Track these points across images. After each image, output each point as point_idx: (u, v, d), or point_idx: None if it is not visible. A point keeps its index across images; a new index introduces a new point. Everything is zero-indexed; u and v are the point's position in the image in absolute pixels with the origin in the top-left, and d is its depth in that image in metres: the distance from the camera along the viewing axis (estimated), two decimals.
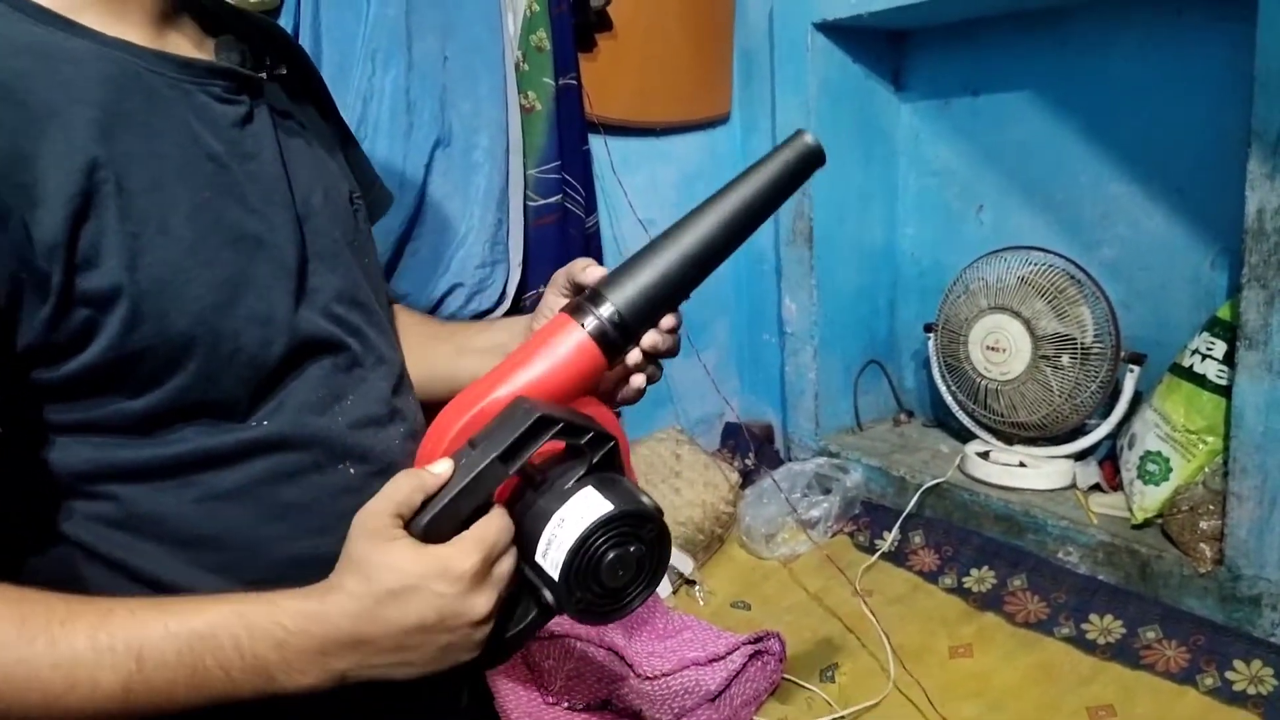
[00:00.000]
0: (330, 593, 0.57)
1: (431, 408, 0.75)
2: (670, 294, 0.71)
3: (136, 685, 0.53)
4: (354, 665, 0.57)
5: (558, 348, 0.68)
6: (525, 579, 0.63)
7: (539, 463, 0.64)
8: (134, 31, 0.65)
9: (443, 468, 0.61)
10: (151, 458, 0.62)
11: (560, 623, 1.55)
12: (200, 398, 0.63)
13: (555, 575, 0.60)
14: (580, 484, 0.62)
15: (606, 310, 0.69)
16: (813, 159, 0.77)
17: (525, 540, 0.62)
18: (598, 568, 0.61)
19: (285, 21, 1.45)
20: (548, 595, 0.61)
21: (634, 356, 0.72)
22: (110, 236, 0.58)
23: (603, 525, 0.60)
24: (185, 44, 0.70)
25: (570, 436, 0.62)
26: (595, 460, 0.63)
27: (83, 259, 0.57)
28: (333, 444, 0.70)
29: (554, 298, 0.80)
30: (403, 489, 0.59)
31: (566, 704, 1.43)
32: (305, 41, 1.46)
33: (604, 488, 0.62)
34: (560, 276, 0.79)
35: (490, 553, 0.59)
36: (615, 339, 0.69)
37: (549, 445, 0.62)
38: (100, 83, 0.60)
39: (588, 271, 0.76)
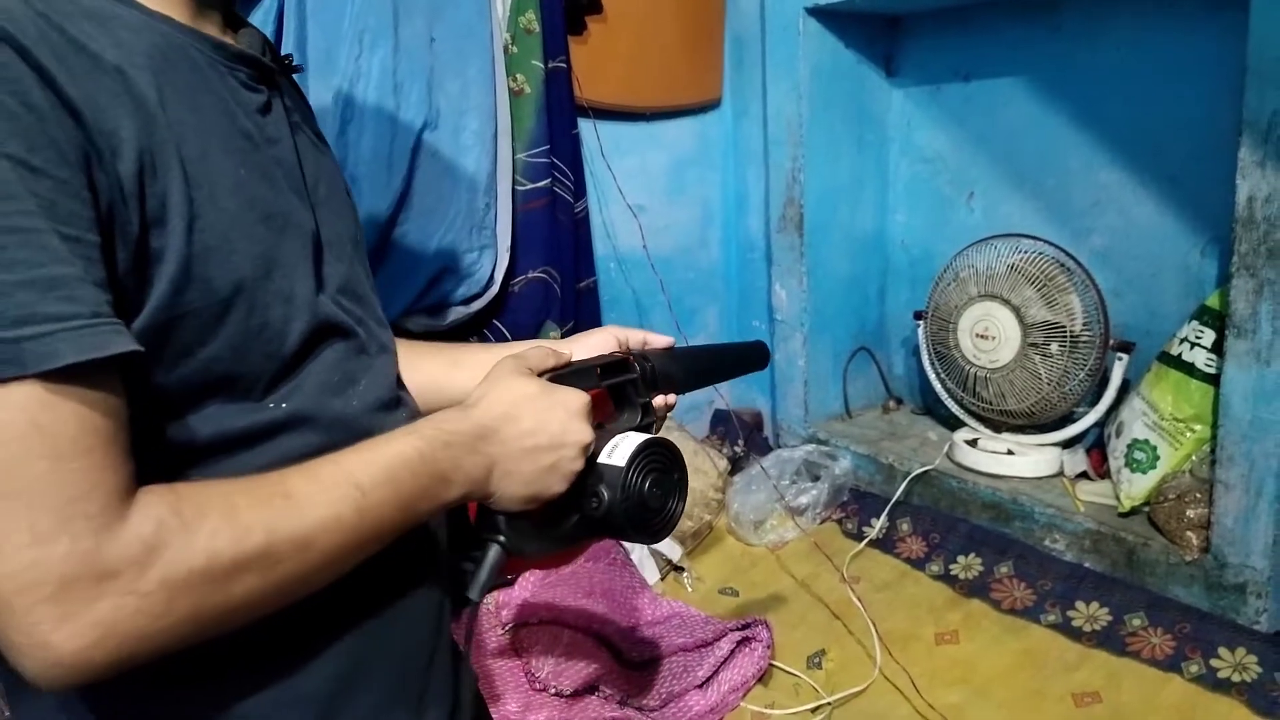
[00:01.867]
0: (480, 400, 0.72)
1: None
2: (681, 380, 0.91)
3: (364, 509, 0.62)
4: (498, 455, 0.70)
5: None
6: (583, 483, 0.74)
7: (605, 405, 0.82)
8: (174, 9, 0.67)
9: (567, 350, 0.81)
10: (175, 439, 0.62)
11: (548, 609, 1.55)
12: (226, 371, 0.63)
13: (622, 459, 0.74)
14: (632, 422, 0.82)
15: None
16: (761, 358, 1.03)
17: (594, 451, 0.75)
18: (644, 480, 0.74)
19: (270, 2, 1.43)
20: (605, 493, 0.73)
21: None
22: (174, 197, 0.59)
23: (653, 444, 0.76)
24: (215, 31, 0.71)
25: (633, 385, 0.83)
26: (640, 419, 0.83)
27: (152, 216, 0.58)
28: (350, 426, 0.71)
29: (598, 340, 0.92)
30: (537, 354, 0.78)
31: (555, 690, 1.43)
32: (291, 23, 1.45)
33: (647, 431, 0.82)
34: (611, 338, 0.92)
35: (587, 407, 0.75)
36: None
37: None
38: (149, 51, 0.61)
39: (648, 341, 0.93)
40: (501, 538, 0.72)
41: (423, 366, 0.91)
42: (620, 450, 0.75)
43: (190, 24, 0.68)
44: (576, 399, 0.75)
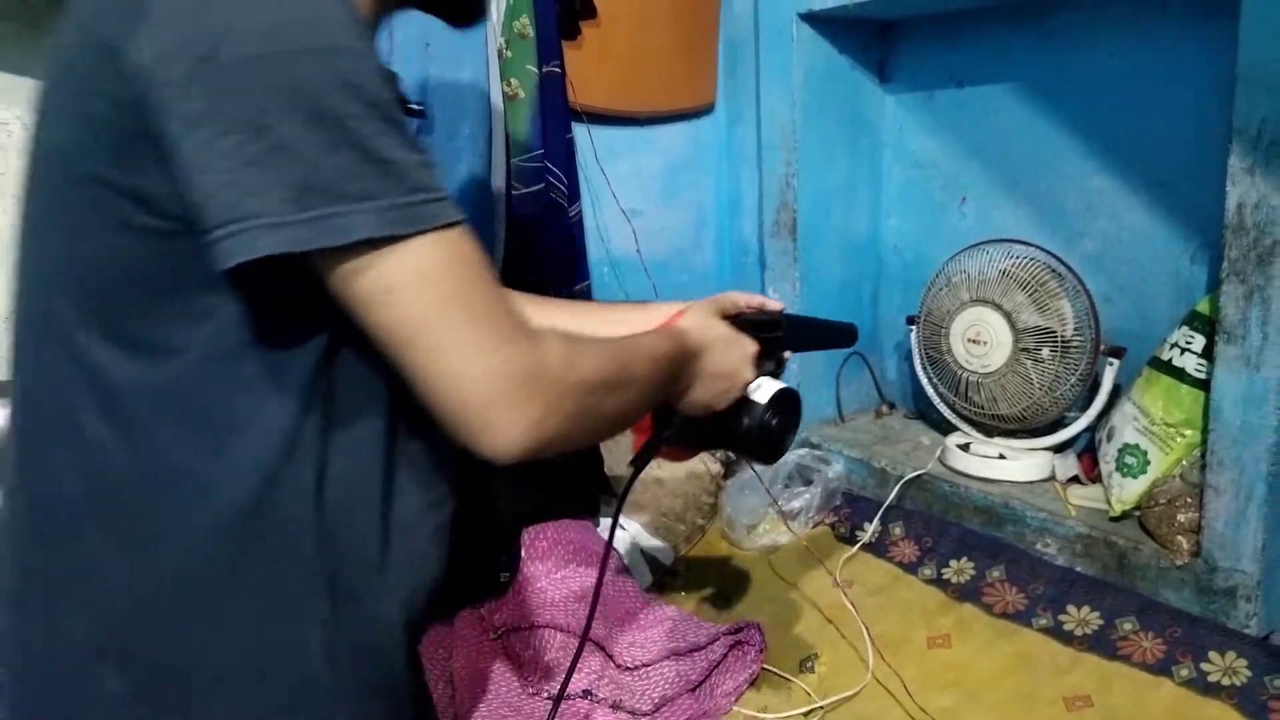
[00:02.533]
0: (691, 331, 0.92)
1: None
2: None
3: (654, 378, 0.82)
4: (697, 373, 0.92)
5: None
6: (736, 409, 0.98)
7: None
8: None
9: (744, 300, 1.05)
10: None
11: (541, 614, 1.55)
12: None
13: (764, 398, 0.98)
14: (768, 369, 1.03)
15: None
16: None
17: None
18: (774, 417, 0.98)
19: None
20: (746, 420, 0.97)
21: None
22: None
23: (784, 391, 1.00)
24: None
25: (777, 341, 1.04)
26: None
27: None
28: None
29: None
30: (726, 299, 1.04)
31: (546, 694, 1.43)
32: None
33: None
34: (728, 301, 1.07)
35: (756, 355, 0.99)
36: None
37: None
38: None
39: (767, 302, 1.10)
40: (669, 431, 0.96)
41: (585, 321, 1.06)
42: (762, 391, 0.99)
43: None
44: (751, 346, 0.98)
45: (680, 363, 0.89)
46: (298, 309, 0.64)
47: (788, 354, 1.09)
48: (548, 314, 1.02)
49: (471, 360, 0.62)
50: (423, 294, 0.61)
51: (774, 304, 1.10)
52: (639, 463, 1.00)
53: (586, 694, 1.44)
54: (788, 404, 1.01)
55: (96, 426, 0.63)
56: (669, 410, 0.96)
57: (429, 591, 0.77)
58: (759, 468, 1.94)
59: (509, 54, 1.68)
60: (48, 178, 0.66)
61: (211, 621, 0.65)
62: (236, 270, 0.57)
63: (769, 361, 1.04)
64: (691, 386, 0.93)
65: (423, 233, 0.60)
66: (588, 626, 1.00)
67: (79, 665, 0.66)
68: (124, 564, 0.64)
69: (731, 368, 0.96)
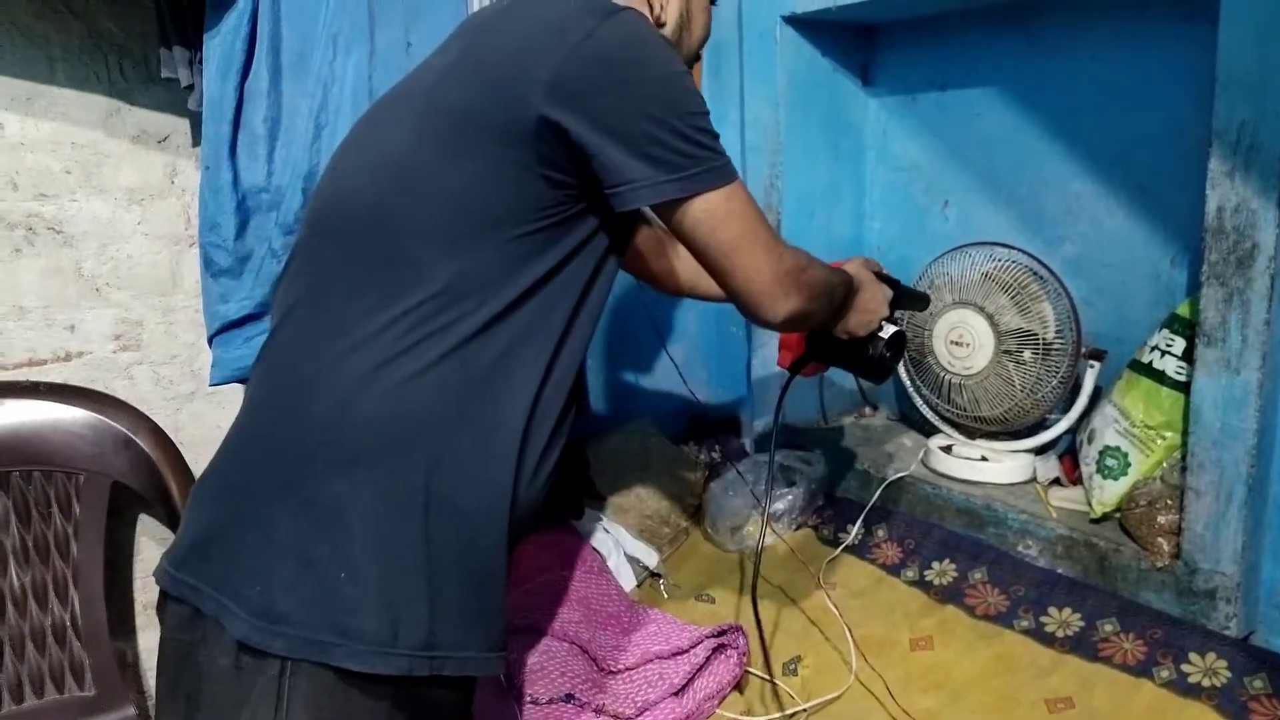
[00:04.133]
0: (855, 274, 1.32)
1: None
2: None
3: (840, 291, 1.25)
4: (853, 304, 1.31)
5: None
6: (868, 338, 1.35)
7: None
8: None
9: (881, 268, 1.44)
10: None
11: (523, 617, 1.55)
12: None
13: (887, 335, 1.35)
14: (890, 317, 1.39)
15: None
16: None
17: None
18: (890, 350, 1.37)
19: (244, 2, 1.42)
20: (871, 348, 1.35)
21: None
22: None
23: (899, 333, 1.37)
24: None
25: (899, 297, 1.43)
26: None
27: None
28: None
29: None
30: (870, 260, 1.44)
31: (530, 698, 1.42)
32: (264, 26, 1.44)
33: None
34: (871, 261, 1.48)
35: (890, 299, 1.38)
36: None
37: None
38: None
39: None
40: (819, 345, 1.39)
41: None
42: (886, 330, 1.35)
43: None
44: (887, 293, 1.37)
45: (849, 290, 1.27)
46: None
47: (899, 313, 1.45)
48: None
49: (767, 261, 1.03)
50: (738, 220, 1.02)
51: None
52: (795, 368, 1.42)
53: (569, 698, 1.43)
54: (901, 343, 1.37)
55: None
56: (820, 332, 1.34)
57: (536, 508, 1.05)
58: (743, 469, 1.94)
59: None
60: None
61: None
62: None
63: (893, 310, 1.38)
64: (850, 313, 1.29)
65: (734, 181, 1.02)
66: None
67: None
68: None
69: (876, 305, 1.33)
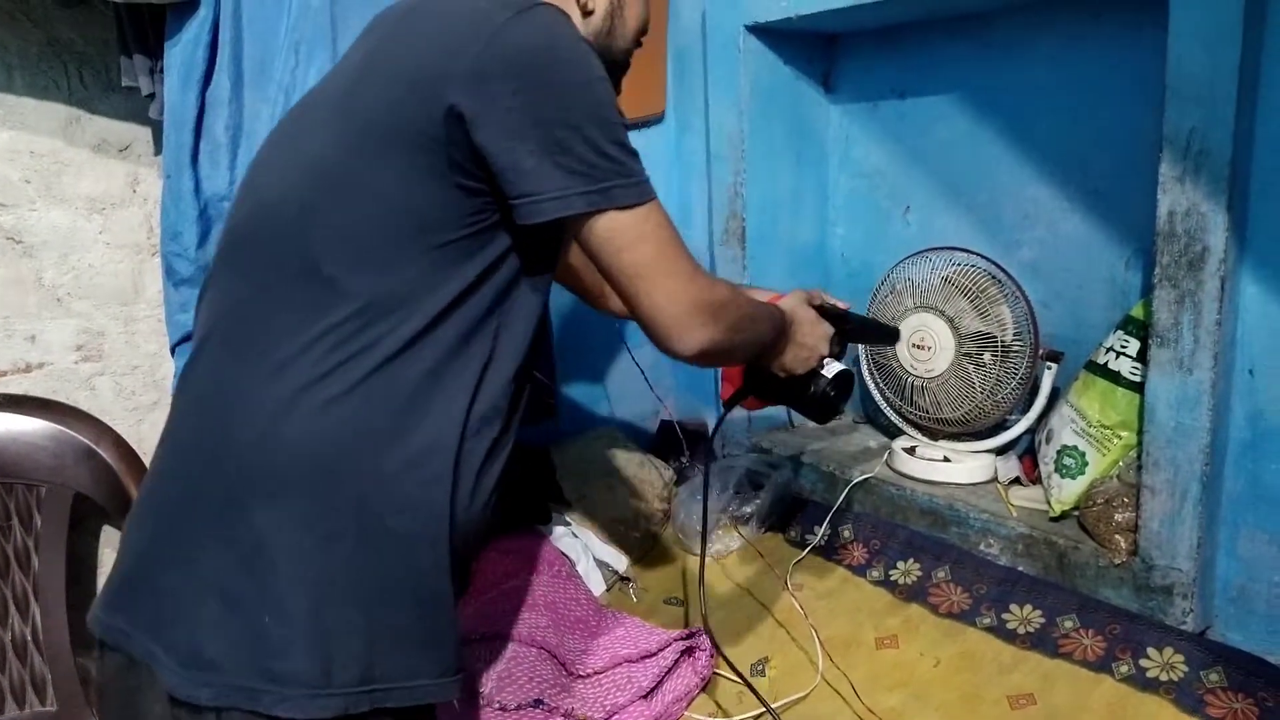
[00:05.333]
0: (791, 310, 1.25)
1: None
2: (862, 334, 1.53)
3: (770, 328, 1.18)
4: (789, 343, 1.23)
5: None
6: (808, 376, 1.28)
7: None
8: None
9: (822, 297, 1.35)
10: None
11: (490, 624, 1.55)
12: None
13: (830, 374, 1.28)
14: (834, 352, 1.32)
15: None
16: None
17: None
18: (833, 389, 1.29)
19: (205, 10, 1.42)
20: (814, 387, 1.28)
21: None
22: None
23: (844, 372, 1.30)
24: None
25: (844, 332, 1.33)
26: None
27: None
28: None
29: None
30: (814, 293, 1.34)
31: (498, 704, 1.42)
32: (226, 31, 1.43)
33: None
34: (815, 294, 1.37)
35: (833, 336, 1.30)
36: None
37: None
38: None
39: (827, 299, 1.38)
40: (757, 381, 1.31)
41: None
42: (829, 368, 1.29)
43: None
44: (830, 330, 1.29)
45: (782, 328, 1.20)
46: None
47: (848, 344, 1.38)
48: None
49: (678, 289, 0.96)
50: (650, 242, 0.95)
51: (843, 304, 1.38)
52: (729, 405, 1.37)
53: (538, 703, 1.43)
54: (846, 382, 1.31)
55: None
56: (757, 368, 1.27)
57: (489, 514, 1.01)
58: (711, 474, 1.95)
59: None
60: None
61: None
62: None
63: (837, 346, 1.32)
64: (784, 350, 1.23)
65: (649, 201, 0.95)
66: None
67: None
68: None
69: (814, 343, 1.26)
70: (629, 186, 0.92)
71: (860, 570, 1.70)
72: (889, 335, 1.61)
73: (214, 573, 0.87)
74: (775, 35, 1.94)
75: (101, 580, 1.88)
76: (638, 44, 1.19)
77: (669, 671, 1.50)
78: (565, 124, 0.88)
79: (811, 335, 1.25)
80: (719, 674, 1.54)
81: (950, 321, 1.70)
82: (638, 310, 0.97)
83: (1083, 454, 1.53)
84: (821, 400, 1.28)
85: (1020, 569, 1.56)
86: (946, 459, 1.76)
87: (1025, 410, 1.69)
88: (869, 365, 1.89)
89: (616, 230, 0.92)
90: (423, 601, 0.92)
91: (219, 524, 0.88)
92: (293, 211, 0.94)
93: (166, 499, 0.94)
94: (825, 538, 1.79)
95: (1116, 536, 1.45)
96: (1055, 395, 1.66)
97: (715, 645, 1.53)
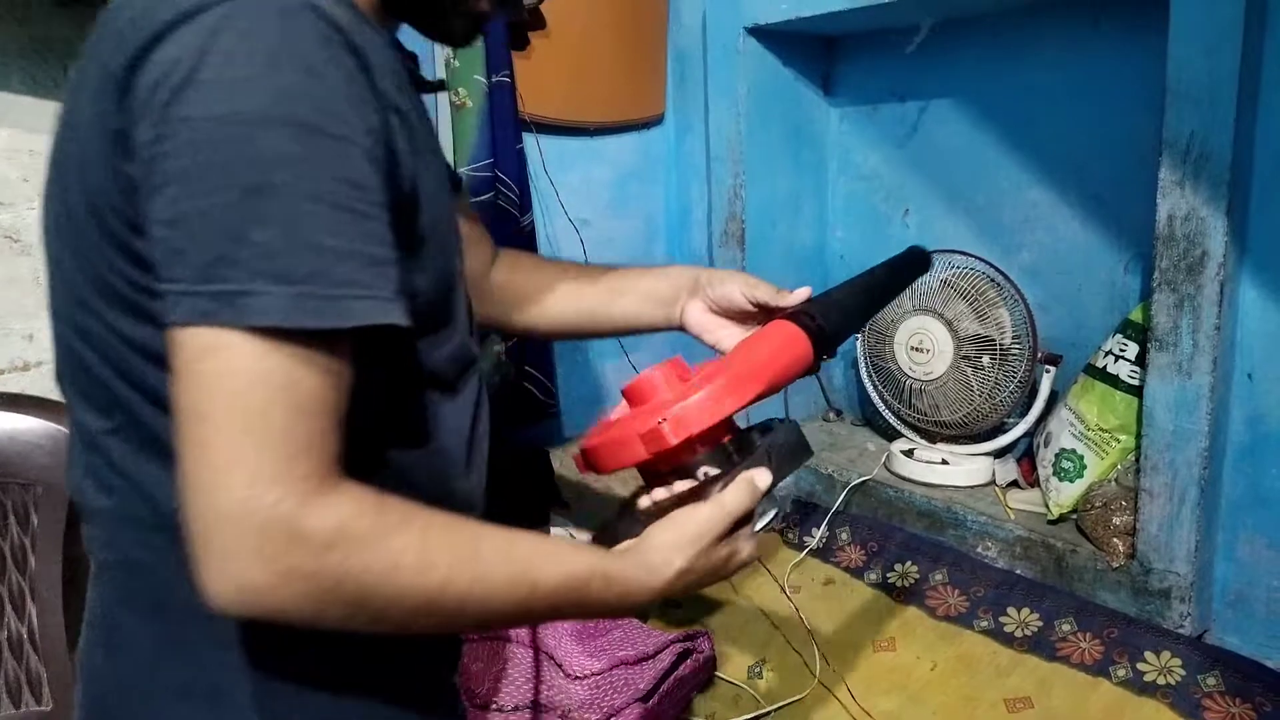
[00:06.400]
0: (661, 574, 0.72)
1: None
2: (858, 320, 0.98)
3: (526, 607, 0.65)
4: (673, 593, 0.74)
5: (786, 348, 0.89)
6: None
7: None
8: (383, 21, 0.75)
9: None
10: (363, 423, 0.64)
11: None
12: (429, 371, 0.72)
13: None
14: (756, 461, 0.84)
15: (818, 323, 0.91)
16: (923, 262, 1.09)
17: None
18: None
19: None
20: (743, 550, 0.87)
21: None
22: (422, 183, 0.65)
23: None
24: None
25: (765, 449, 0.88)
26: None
27: (412, 199, 0.65)
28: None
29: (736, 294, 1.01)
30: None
31: (495, 706, 1.42)
32: None
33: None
34: (735, 290, 1.00)
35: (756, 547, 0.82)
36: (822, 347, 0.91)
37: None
38: (393, 66, 0.66)
39: (795, 294, 0.98)
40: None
41: (585, 296, 1.02)
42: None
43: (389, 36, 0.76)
44: (750, 549, 0.80)
45: (623, 597, 0.71)
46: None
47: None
48: (548, 279, 1.03)
49: (231, 481, 0.54)
50: (220, 390, 0.55)
51: (797, 295, 0.96)
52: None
53: (535, 705, 1.43)
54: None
55: None
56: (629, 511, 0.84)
57: None
58: None
59: (456, 63, 1.68)
60: None
61: None
62: None
63: (753, 452, 0.89)
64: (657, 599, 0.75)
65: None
66: None
67: None
68: None
69: (722, 576, 0.79)
70: (232, 296, 0.55)
71: (858, 572, 1.70)
72: (910, 269, 1.11)
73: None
74: (775, 37, 1.94)
75: None
76: (488, 16, 0.84)
77: (667, 674, 1.50)
78: (196, 182, 0.57)
79: (709, 574, 0.77)
80: (716, 676, 1.54)
81: (949, 324, 1.70)
82: (179, 481, 0.56)
83: (1081, 457, 1.53)
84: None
85: (1018, 572, 1.56)
86: (944, 461, 1.76)
87: (1024, 413, 1.69)
88: (867, 367, 1.89)
89: (182, 346, 0.56)
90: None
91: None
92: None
93: None
94: (823, 540, 1.79)
95: (1114, 540, 1.45)
96: (1054, 398, 1.66)
97: (712, 648, 1.53)
